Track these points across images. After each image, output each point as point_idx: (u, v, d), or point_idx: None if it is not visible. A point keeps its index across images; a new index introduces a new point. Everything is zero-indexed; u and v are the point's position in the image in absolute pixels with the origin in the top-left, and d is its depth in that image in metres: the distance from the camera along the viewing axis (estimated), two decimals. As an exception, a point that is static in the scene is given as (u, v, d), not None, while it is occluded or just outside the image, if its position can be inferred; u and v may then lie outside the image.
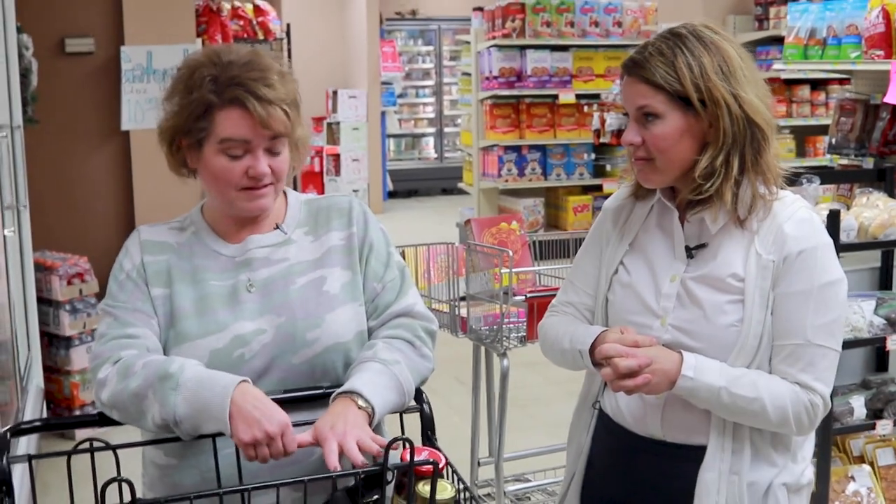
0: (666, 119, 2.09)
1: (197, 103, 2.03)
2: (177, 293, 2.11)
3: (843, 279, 2.13)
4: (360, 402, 1.96)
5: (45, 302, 5.63)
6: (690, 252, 2.17)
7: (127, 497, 1.66)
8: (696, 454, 2.15)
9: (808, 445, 2.25)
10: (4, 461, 1.84)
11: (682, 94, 2.07)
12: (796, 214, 2.13)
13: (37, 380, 5.38)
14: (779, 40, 5.06)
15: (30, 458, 1.86)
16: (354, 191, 12.90)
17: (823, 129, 5.17)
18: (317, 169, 13.32)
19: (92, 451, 1.83)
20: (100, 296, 5.71)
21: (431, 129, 16.75)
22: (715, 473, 2.13)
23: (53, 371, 5.70)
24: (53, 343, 5.70)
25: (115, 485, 1.67)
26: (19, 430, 1.97)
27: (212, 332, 2.08)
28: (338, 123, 13.10)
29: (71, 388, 5.64)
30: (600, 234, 2.37)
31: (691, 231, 2.19)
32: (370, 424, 1.96)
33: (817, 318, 2.08)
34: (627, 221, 2.31)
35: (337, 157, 13.08)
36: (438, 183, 15.99)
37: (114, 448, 1.86)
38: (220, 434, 1.93)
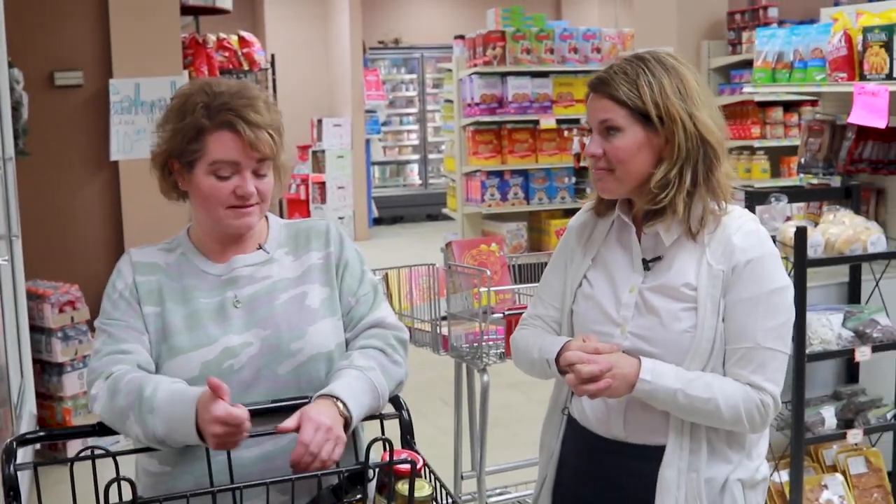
0: (626, 133, 2.25)
1: (189, 127, 2.18)
2: (168, 311, 2.23)
3: (788, 286, 2.28)
4: (340, 407, 2.09)
5: (38, 329, 5.71)
6: (647, 264, 2.32)
7: (127, 497, 1.78)
8: (656, 454, 2.29)
9: (762, 443, 2.37)
10: (11, 468, 1.96)
11: (643, 110, 2.23)
12: (744, 227, 2.28)
13: (30, 406, 5.46)
14: (752, 64, 5.19)
15: (35, 465, 1.97)
16: (340, 218, 13.00)
17: (797, 150, 5.29)
18: (302, 197, 13.41)
19: (93, 458, 1.96)
20: (91, 323, 5.81)
21: (415, 156, 16.87)
22: (674, 471, 2.26)
23: (46, 397, 5.77)
24: (46, 370, 5.78)
25: (115, 489, 1.79)
26: (24, 440, 2.09)
27: (202, 345, 2.20)
28: (323, 151, 13.21)
29: (63, 414, 5.72)
30: (565, 250, 2.52)
31: (647, 245, 2.33)
32: (347, 426, 2.09)
33: (766, 322, 2.22)
34: (590, 238, 2.46)
35: (322, 184, 13.18)
36: (423, 209, 16.10)
37: (114, 455, 1.98)
38: None
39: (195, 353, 2.19)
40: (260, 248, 2.34)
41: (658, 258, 2.31)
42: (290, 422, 2.04)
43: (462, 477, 4.27)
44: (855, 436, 4.14)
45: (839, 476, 4.23)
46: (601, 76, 2.30)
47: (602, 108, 2.28)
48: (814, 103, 6.48)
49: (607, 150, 2.27)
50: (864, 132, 4.62)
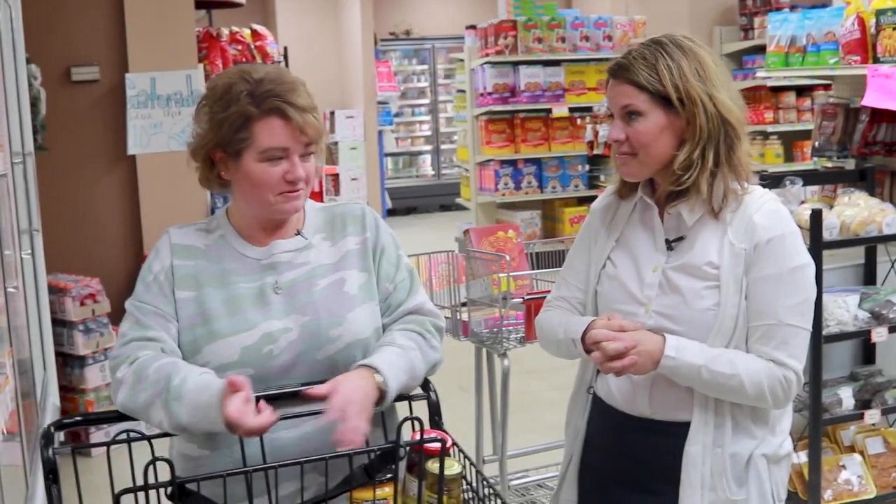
0: (648, 116, 2.28)
1: (236, 116, 2.18)
2: (206, 295, 2.26)
3: (810, 263, 2.31)
4: (378, 378, 2.14)
5: (59, 323, 5.77)
6: (670, 244, 2.36)
7: (163, 479, 1.82)
8: (681, 430, 2.32)
9: (785, 419, 2.41)
10: (51, 452, 2.00)
11: (663, 93, 2.26)
12: (765, 206, 2.31)
13: (53, 398, 5.50)
14: (764, 49, 5.22)
15: (73, 448, 2.02)
16: (355, 209, 13.01)
17: (810, 134, 5.31)
18: (316, 188, 13.44)
19: (129, 441, 2.00)
20: (112, 315, 5.88)
21: (428, 147, 16.89)
22: (699, 447, 2.30)
23: (69, 390, 5.83)
24: (68, 363, 5.84)
25: (152, 471, 1.83)
26: (62, 425, 2.13)
27: (242, 330, 2.22)
28: (336, 143, 13.22)
29: (86, 406, 5.78)
30: (589, 232, 2.55)
31: (670, 225, 2.37)
32: (382, 400, 2.14)
33: (788, 299, 2.26)
34: (613, 220, 2.49)
35: (336, 176, 13.18)
36: (436, 199, 16.13)
37: (149, 438, 2.03)
38: None
39: (235, 338, 2.22)
40: (298, 233, 2.36)
41: (681, 238, 2.34)
42: (320, 388, 2.08)
43: (484, 461, 4.31)
44: (872, 416, 4.16)
45: (857, 456, 4.26)
46: (620, 62, 2.33)
47: (623, 94, 2.31)
48: (827, 87, 6.48)
49: (630, 135, 2.30)
50: (877, 115, 4.64)
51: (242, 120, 2.19)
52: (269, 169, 2.21)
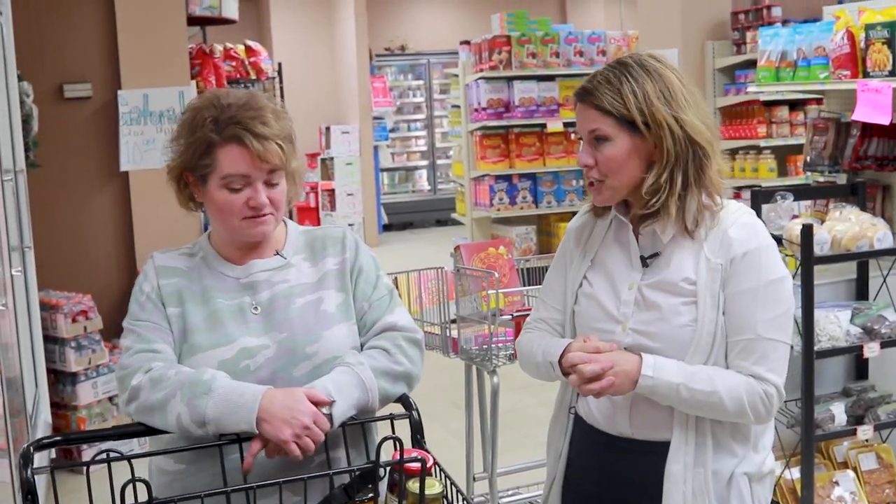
0: (615, 141, 2.28)
1: (200, 142, 2.23)
2: (189, 311, 2.30)
3: (787, 276, 2.31)
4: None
5: (51, 339, 5.76)
6: (645, 262, 2.35)
7: (142, 498, 1.81)
8: (662, 449, 2.32)
9: (767, 435, 2.40)
10: (29, 472, 1.99)
11: (628, 117, 2.26)
12: (739, 220, 2.31)
13: (45, 415, 5.50)
14: (756, 64, 5.21)
15: (52, 469, 2.00)
16: (350, 225, 13.02)
17: (803, 148, 5.29)
18: (312, 204, 13.45)
19: (109, 460, 1.99)
20: (104, 332, 5.87)
21: (424, 162, 16.91)
22: (680, 465, 2.29)
23: (60, 407, 5.82)
24: (60, 379, 5.83)
25: (130, 491, 1.82)
26: (41, 445, 2.11)
27: (221, 344, 2.26)
28: (331, 159, 13.23)
29: (78, 423, 5.76)
30: (564, 253, 2.56)
31: (645, 242, 2.37)
32: (332, 420, 2.15)
33: (766, 313, 2.25)
34: (589, 240, 2.49)
35: (332, 192, 13.20)
36: (432, 214, 16.14)
37: (129, 457, 2.02)
38: (231, 442, 2.12)
39: (213, 352, 2.25)
40: (277, 254, 2.40)
41: (656, 255, 2.35)
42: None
43: (474, 478, 4.29)
44: (865, 432, 4.15)
45: (850, 472, 4.24)
46: (586, 86, 2.33)
47: (589, 119, 2.31)
48: (819, 101, 6.49)
49: (598, 160, 2.31)
50: (868, 129, 4.63)
51: (206, 146, 2.25)
52: (231, 196, 2.26)
